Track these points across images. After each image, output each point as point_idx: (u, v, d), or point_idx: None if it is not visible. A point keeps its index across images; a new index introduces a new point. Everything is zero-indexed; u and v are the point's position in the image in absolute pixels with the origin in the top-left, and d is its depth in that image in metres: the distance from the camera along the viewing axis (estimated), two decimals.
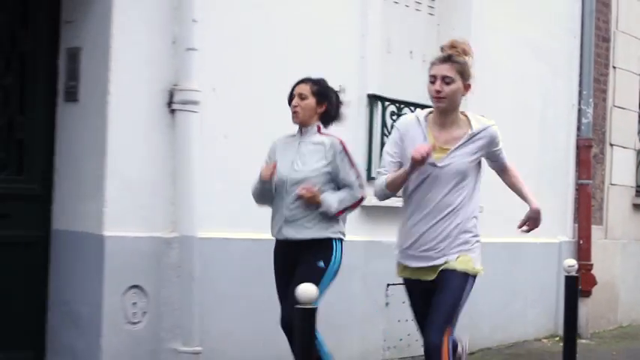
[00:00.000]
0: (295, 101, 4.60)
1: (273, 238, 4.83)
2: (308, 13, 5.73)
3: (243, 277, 5.31)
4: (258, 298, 5.26)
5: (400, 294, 5.85)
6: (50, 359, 4.88)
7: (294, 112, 4.61)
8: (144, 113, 4.85)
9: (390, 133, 6.17)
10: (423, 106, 6.40)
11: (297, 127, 4.67)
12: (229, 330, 5.19)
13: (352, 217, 5.81)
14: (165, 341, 4.90)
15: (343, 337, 5.96)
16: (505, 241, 7.34)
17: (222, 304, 5.15)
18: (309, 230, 4.51)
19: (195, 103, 4.94)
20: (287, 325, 4.41)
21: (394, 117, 6.31)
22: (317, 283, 4.10)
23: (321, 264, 4.51)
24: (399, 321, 6.37)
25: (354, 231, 5.98)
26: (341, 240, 4.64)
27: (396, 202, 6.16)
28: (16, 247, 4.74)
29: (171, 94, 4.94)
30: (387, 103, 6.29)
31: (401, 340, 6.47)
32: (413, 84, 6.75)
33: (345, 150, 4.58)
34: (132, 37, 4.78)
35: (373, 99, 6.17)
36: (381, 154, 6.06)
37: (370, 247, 6.19)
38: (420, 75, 6.78)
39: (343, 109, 4.78)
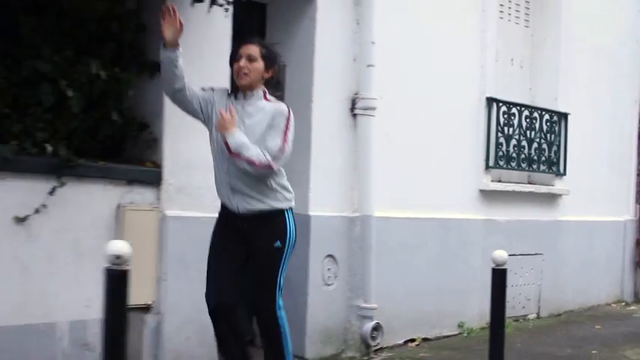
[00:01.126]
0: (243, 62, 4.25)
1: (431, 216, 6.07)
2: (447, 34, 6.94)
3: (409, 248, 6.55)
4: (423, 265, 6.57)
5: (510, 264, 7.16)
6: None
7: (243, 74, 4.26)
8: (334, 117, 6.06)
9: (503, 131, 7.45)
10: (527, 107, 7.70)
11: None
12: (399, 290, 6.43)
13: (472, 199, 7.16)
14: (351, 299, 6.14)
15: (467, 300, 7.21)
16: (584, 220, 8.64)
17: (394, 269, 6.38)
18: (258, 202, 4.24)
19: (372, 108, 6.15)
20: (217, 309, 4.29)
21: (505, 116, 7.53)
22: (277, 266, 4.30)
23: (278, 244, 4.30)
24: (508, 286, 7.61)
25: (474, 211, 7.27)
26: (292, 209, 4.40)
27: (508, 186, 7.47)
28: None
29: (353, 102, 6.14)
30: (500, 104, 7.50)
31: (508, 302, 7.71)
32: (516, 87, 8.00)
33: (287, 119, 4.25)
34: (325, 55, 5.98)
35: (490, 101, 7.38)
36: (497, 147, 7.33)
37: (487, 225, 7.41)
38: (519, 79, 8.05)
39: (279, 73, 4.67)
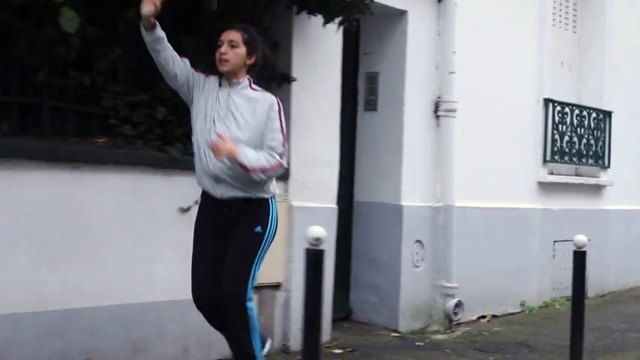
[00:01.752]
0: (224, 48, 4.21)
1: (499, 206, 6.88)
2: (511, 42, 7.75)
3: (481, 234, 7.34)
4: (492, 249, 7.39)
5: (563, 248, 8.02)
6: (354, 293, 6.89)
7: (224, 60, 4.21)
8: (420, 119, 6.84)
9: (557, 128, 8.23)
10: (577, 106, 8.48)
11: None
12: (474, 271, 7.22)
13: (531, 190, 7.98)
14: (435, 279, 6.94)
15: (526, 279, 8.01)
16: (625, 208, 9.45)
17: (470, 253, 7.18)
18: (242, 191, 4.21)
19: (453, 110, 6.93)
20: (204, 301, 4.31)
21: (559, 115, 8.33)
22: (255, 252, 4.22)
23: (259, 229, 4.25)
24: (560, 269, 8.42)
25: (533, 201, 8.05)
26: (274, 197, 4.39)
27: (562, 178, 8.26)
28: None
29: (436, 105, 6.93)
30: (555, 104, 8.29)
31: (560, 283, 8.52)
32: (565, 88, 8.78)
33: (279, 111, 4.23)
34: (413, 64, 6.76)
35: (547, 102, 8.16)
36: (552, 143, 8.11)
37: (544, 213, 8.21)
38: (568, 80, 8.82)
39: (270, 62, 4.56)
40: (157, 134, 5.10)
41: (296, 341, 5.78)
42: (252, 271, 4.24)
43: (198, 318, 5.23)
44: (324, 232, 4.02)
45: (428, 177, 6.90)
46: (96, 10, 4.81)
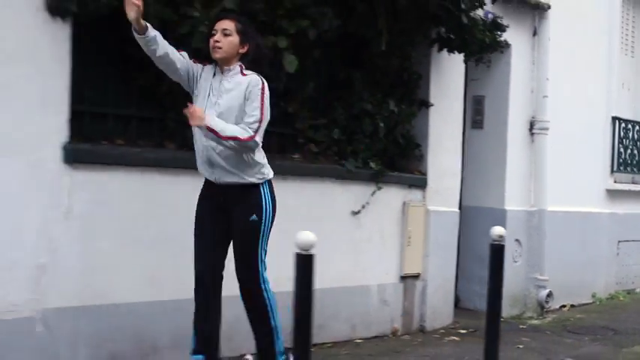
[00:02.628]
0: (218, 36, 4.35)
1: (576, 210, 8.06)
2: (587, 68, 8.91)
3: (564, 234, 8.50)
4: (572, 246, 8.54)
5: (625, 247, 9.21)
6: (462, 283, 8.04)
7: (217, 48, 4.35)
8: (519, 136, 8.02)
9: (622, 142, 9.38)
10: (638, 123, 9.63)
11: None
12: (559, 266, 8.39)
13: (601, 196, 9.16)
14: (530, 272, 8.12)
15: (595, 274, 9.19)
16: None
17: (556, 250, 8.35)
18: (234, 176, 4.36)
19: (546, 129, 8.10)
20: (205, 283, 4.47)
21: (624, 131, 9.52)
22: (256, 240, 4.38)
23: (254, 217, 4.39)
24: (623, 266, 9.62)
25: (602, 206, 9.22)
26: (268, 181, 4.50)
27: (625, 186, 9.43)
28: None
29: (531, 124, 8.10)
30: (621, 121, 9.49)
31: (622, 278, 9.71)
32: (625, 107, 9.97)
33: (262, 89, 4.33)
34: (514, 89, 7.93)
35: (614, 119, 9.36)
36: (618, 155, 9.27)
37: (612, 217, 9.40)
38: (628, 100, 10.00)
39: (265, 53, 4.60)
40: (333, 151, 6.26)
41: (430, 322, 6.98)
42: (259, 258, 4.43)
43: (364, 301, 6.42)
44: (504, 230, 5.20)
45: (524, 185, 8.07)
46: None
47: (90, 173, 4.71)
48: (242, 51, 4.40)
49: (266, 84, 4.37)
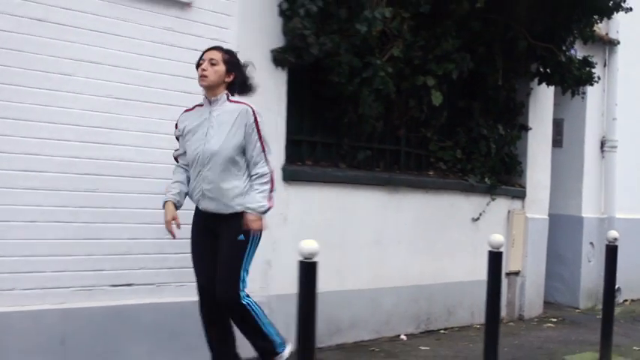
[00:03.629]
0: (205, 65, 4.50)
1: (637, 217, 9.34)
2: None
3: (629, 238, 9.77)
4: (636, 249, 9.81)
5: None
6: (547, 281, 9.31)
7: (204, 77, 4.49)
8: (592, 154, 9.30)
9: None
10: None
11: (200, 98, 4.66)
12: (631, 266, 9.66)
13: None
14: (601, 270, 9.37)
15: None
16: None
17: (628, 252, 9.61)
18: (226, 206, 4.49)
19: (615, 147, 9.39)
20: (206, 296, 4.59)
21: None
22: (241, 257, 4.48)
23: (242, 237, 4.49)
24: None
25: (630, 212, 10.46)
26: None
27: None
28: None
29: (602, 143, 9.38)
30: None
31: None
32: None
33: (255, 121, 4.46)
34: (589, 112, 9.20)
35: None
36: None
37: None
38: None
39: (251, 82, 4.69)
40: (457, 168, 7.53)
41: (527, 312, 8.25)
42: (241, 275, 4.52)
43: (480, 292, 7.66)
44: (617, 234, 6.46)
45: (596, 196, 9.36)
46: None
47: (299, 188, 5.98)
48: (228, 80, 4.56)
49: (257, 111, 4.49)
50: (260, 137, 4.47)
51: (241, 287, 4.50)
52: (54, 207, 4.68)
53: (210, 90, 4.53)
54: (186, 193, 4.64)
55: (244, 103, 4.50)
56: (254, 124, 4.45)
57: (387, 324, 6.75)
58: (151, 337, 5.10)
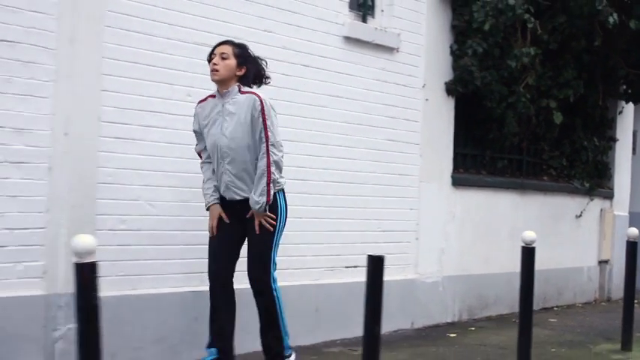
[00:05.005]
0: (216, 60, 4.58)
1: None
2: None
3: None
4: None
5: None
6: None
7: (215, 71, 4.58)
8: None
9: None
10: None
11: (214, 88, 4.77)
12: None
13: None
14: None
15: None
16: None
17: None
18: (245, 193, 4.65)
19: None
20: (219, 281, 4.72)
21: None
22: (270, 239, 4.64)
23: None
24: None
25: None
26: (282, 190, 4.74)
27: None
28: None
29: None
30: None
31: None
32: None
33: (262, 109, 4.51)
34: None
35: None
36: None
37: None
38: None
39: (262, 75, 4.78)
40: (564, 174, 9.07)
41: (614, 294, 9.80)
42: (272, 257, 4.70)
43: (579, 277, 9.21)
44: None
45: None
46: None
47: (462, 192, 7.51)
48: (239, 73, 4.65)
49: (264, 100, 4.57)
50: (265, 125, 4.53)
51: (272, 269, 4.70)
52: (316, 207, 6.18)
53: (222, 84, 4.64)
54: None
55: (253, 93, 4.59)
56: (260, 112, 4.52)
57: (516, 300, 8.26)
58: None
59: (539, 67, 8.00)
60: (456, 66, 7.33)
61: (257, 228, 4.62)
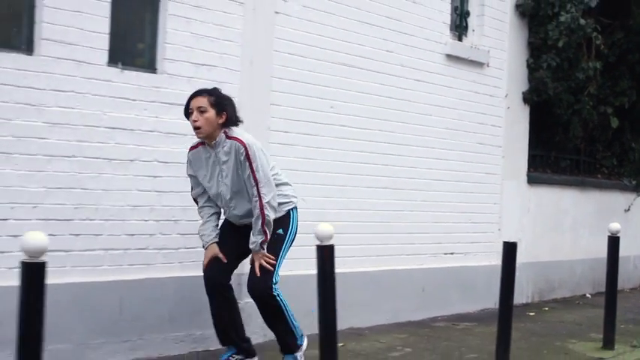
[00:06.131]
0: (195, 116, 4.51)
1: None
2: None
3: None
4: None
5: None
6: None
7: (197, 128, 4.53)
8: None
9: None
10: None
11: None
12: None
13: None
14: None
15: None
16: None
17: None
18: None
19: None
20: (212, 285, 4.70)
21: None
22: (279, 250, 4.69)
23: (280, 231, 4.71)
24: None
25: None
26: (295, 208, 4.83)
27: None
28: None
29: None
30: None
31: None
32: None
33: (247, 156, 4.52)
34: None
35: None
36: None
37: None
38: None
39: (239, 113, 4.72)
40: (615, 172, 10.08)
41: None
42: (277, 266, 4.71)
43: (627, 265, 10.21)
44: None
45: None
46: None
47: (535, 188, 8.52)
48: (221, 121, 4.58)
49: (247, 144, 4.55)
50: (252, 169, 4.55)
51: (275, 280, 4.69)
52: (422, 201, 7.18)
53: (209, 137, 4.60)
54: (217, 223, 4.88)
55: (237, 139, 4.57)
56: (245, 157, 4.54)
57: (577, 285, 9.31)
58: (460, 289, 7.62)
59: (599, 77, 9.00)
60: (531, 78, 8.32)
61: (257, 270, 4.63)
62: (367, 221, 6.66)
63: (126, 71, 4.99)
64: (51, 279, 4.37)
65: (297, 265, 5.56)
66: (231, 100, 4.72)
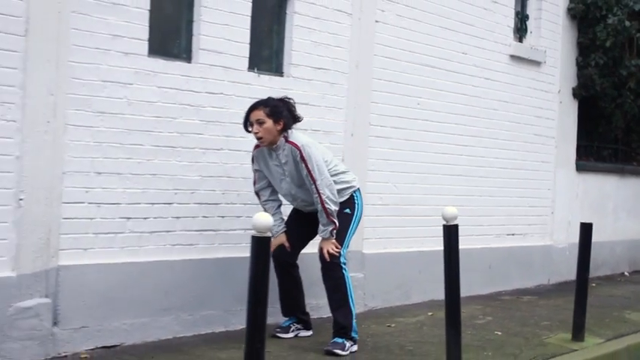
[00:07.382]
0: (255, 128, 4.94)
1: None
2: None
3: None
4: None
5: None
6: None
7: (259, 139, 4.98)
8: None
9: None
10: None
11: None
12: None
13: None
14: None
15: None
16: None
17: None
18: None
19: None
20: (281, 261, 5.25)
21: None
22: (347, 227, 5.14)
23: (348, 210, 5.19)
24: None
25: None
26: (357, 190, 5.28)
27: None
28: None
29: None
30: None
31: None
32: None
33: (302, 157, 4.93)
34: None
35: None
36: None
37: None
38: None
39: (297, 112, 5.14)
40: None
41: None
42: (346, 243, 5.18)
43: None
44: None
45: None
46: None
47: (583, 176, 9.34)
48: (279, 127, 4.99)
49: (302, 146, 5.00)
50: (308, 169, 4.97)
51: (343, 253, 5.13)
52: (489, 187, 7.98)
53: (271, 144, 5.05)
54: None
55: (293, 143, 5.01)
56: (301, 159, 4.97)
57: (616, 264, 10.14)
58: (519, 266, 8.43)
59: (638, 73, 9.79)
60: (580, 75, 9.12)
61: (326, 255, 5.06)
62: (444, 205, 7.40)
63: (261, 75, 5.77)
64: (202, 254, 5.37)
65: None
66: (287, 103, 5.13)
